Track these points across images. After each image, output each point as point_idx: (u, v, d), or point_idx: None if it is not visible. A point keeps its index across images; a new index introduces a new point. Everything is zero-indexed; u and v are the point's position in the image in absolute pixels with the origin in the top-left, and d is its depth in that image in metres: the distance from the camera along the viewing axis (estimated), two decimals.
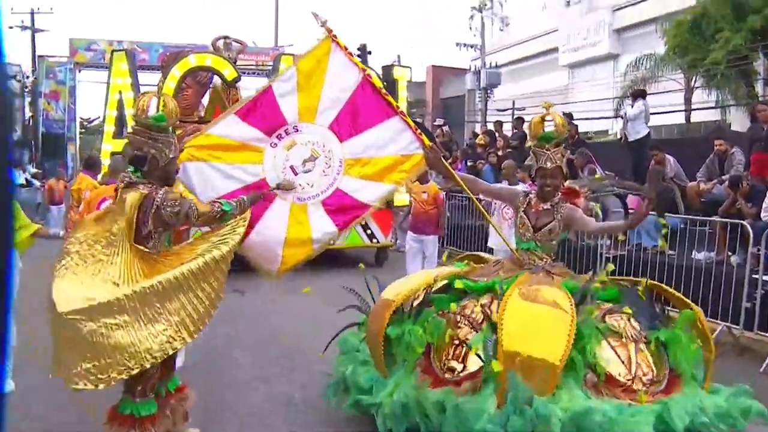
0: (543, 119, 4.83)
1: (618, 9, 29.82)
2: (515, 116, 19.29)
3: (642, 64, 22.96)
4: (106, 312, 3.61)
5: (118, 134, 11.68)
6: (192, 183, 4.74)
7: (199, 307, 3.83)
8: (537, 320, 4.07)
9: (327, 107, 4.89)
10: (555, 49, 32.84)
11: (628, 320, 4.35)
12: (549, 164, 4.74)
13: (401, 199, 11.83)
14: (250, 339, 7.73)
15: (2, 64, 1.12)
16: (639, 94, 13.20)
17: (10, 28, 30.32)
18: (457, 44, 32.30)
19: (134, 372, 3.66)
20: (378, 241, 12.90)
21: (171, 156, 4.08)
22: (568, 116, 14.36)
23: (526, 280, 4.49)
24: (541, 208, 4.85)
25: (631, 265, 8.89)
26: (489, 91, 30.16)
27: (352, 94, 4.91)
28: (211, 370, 6.31)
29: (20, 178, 19.43)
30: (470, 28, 31.00)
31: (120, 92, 11.93)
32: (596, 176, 10.37)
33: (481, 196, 6.70)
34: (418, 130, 4.95)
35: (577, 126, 14.83)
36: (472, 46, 32.34)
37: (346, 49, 4.93)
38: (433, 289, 4.71)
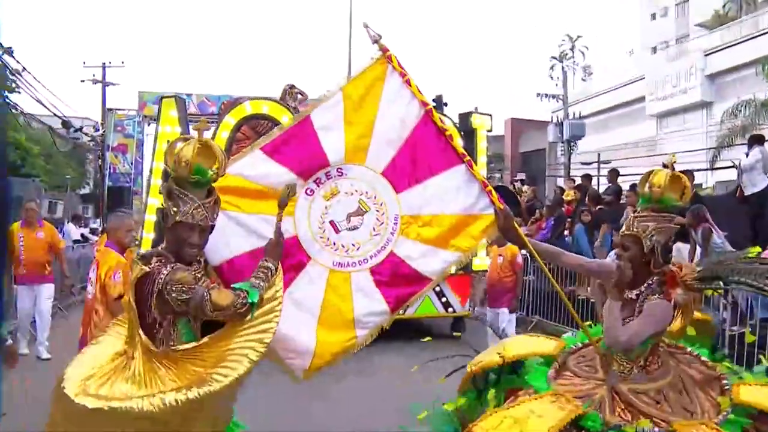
0: (653, 175, 3.50)
1: (710, 53, 28.30)
2: (609, 169, 17.42)
3: (740, 110, 21.37)
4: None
5: None
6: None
7: None
8: None
9: (381, 146, 3.87)
10: (641, 98, 31.63)
11: None
12: (627, 230, 3.48)
13: (481, 263, 10.50)
14: None
15: None
16: (756, 141, 11.35)
17: (82, 81, 30.45)
18: (538, 94, 31.35)
19: None
20: (454, 311, 11.50)
21: (190, 218, 3.16)
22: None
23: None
24: (626, 297, 3.47)
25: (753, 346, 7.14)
26: (572, 144, 28.83)
27: (412, 133, 3.87)
28: None
29: (76, 233, 19.04)
30: (551, 78, 29.90)
31: (168, 142, 10.96)
32: (723, 255, 8.51)
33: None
34: (488, 186, 3.92)
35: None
36: (553, 97, 31.42)
37: (405, 74, 3.84)
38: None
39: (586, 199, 14.19)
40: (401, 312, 3.96)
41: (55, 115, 22.75)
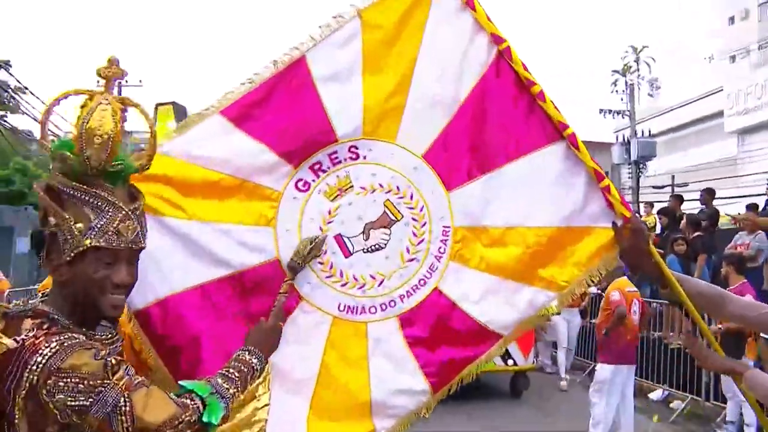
0: None
1: None
2: (704, 188, 15.29)
3: None
4: None
5: None
6: None
7: None
8: None
9: (423, 112, 2.73)
10: (719, 113, 30.35)
11: None
12: None
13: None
14: None
15: None
16: None
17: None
18: (601, 110, 29.38)
19: None
20: (515, 364, 10.06)
21: (113, 239, 1.94)
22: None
23: None
24: None
25: None
26: (641, 165, 27.71)
27: (476, 88, 2.72)
28: None
29: None
30: (616, 92, 28.25)
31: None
32: None
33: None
34: (605, 180, 2.72)
35: None
36: (618, 113, 29.67)
37: None
38: None
39: (679, 224, 12.53)
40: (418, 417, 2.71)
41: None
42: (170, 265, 2.51)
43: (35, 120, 24.37)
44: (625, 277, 7.37)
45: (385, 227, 2.74)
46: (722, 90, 29.92)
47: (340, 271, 2.67)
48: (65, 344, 1.83)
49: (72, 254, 1.91)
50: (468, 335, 2.73)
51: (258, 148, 2.61)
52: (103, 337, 1.96)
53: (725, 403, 8.35)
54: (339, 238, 2.69)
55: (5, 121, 20.74)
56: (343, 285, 2.71)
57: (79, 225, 1.91)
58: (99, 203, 1.94)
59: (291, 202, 2.65)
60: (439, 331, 2.72)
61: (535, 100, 2.70)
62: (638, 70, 29.75)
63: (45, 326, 1.91)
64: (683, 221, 12.34)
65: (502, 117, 2.77)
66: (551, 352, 12.50)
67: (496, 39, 2.72)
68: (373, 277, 2.72)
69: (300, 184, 2.67)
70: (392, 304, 2.72)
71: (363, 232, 2.72)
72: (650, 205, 16.71)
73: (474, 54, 2.76)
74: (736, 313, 2.96)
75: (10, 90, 19.80)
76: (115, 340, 2.01)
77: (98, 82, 2.06)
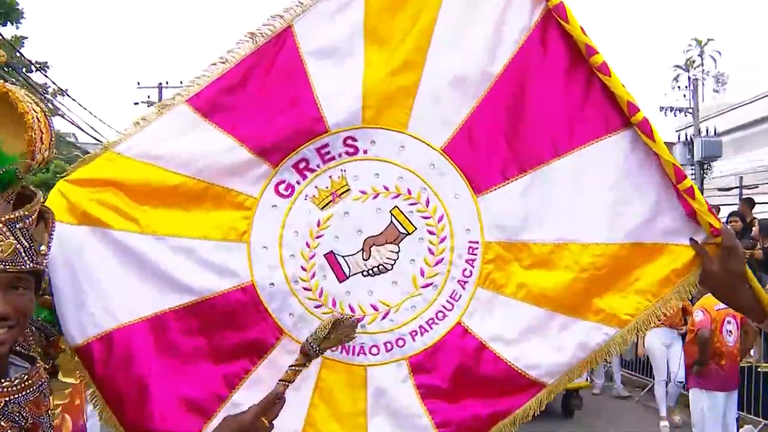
0: None
1: None
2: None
3: None
4: None
5: None
6: (59, 287, 2.09)
7: None
8: None
9: (441, 92, 2.28)
10: None
11: None
12: None
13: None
14: None
15: None
16: None
17: (136, 104, 28.30)
18: (662, 108, 28.32)
19: None
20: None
21: None
22: None
23: None
24: None
25: None
26: (706, 166, 27.05)
27: (515, 58, 2.27)
28: None
29: None
30: (678, 88, 27.57)
31: None
32: None
33: None
34: (686, 181, 2.24)
35: None
36: (680, 110, 28.75)
37: None
38: None
39: (751, 231, 11.84)
40: None
41: (98, 141, 21.99)
42: (117, 291, 2.12)
43: (72, 123, 24.84)
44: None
45: (392, 243, 2.29)
46: None
47: (332, 300, 2.23)
48: None
49: None
50: (500, 384, 2.26)
51: (228, 143, 2.19)
52: (5, 382, 1.60)
53: None
54: (331, 257, 2.27)
55: None
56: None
57: None
58: None
59: (270, 212, 2.23)
60: (461, 378, 2.25)
61: (595, 75, 2.20)
62: (702, 64, 28.72)
63: None
64: (755, 227, 11.57)
65: (549, 98, 2.30)
66: (606, 366, 11.61)
67: None
68: (376, 308, 2.27)
69: (281, 188, 2.24)
70: (400, 343, 2.26)
71: (363, 250, 2.27)
72: (716, 209, 15.80)
73: (513, 15, 2.26)
74: None
75: (48, 93, 19.90)
76: (27, 386, 1.63)
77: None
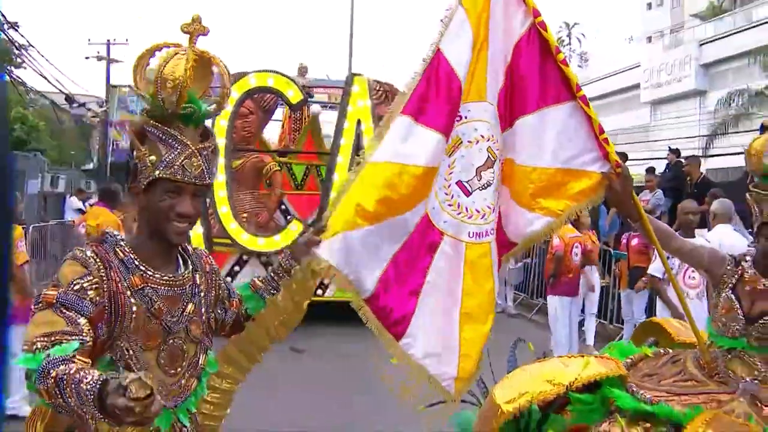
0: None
1: (705, 43, 28.67)
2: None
3: (734, 100, 21.88)
4: None
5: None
6: (350, 262, 2.81)
7: None
8: None
9: (497, 70, 3.08)
10: (636, 86, 31.95)
11: None
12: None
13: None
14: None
15: None
16: None
17: (86, 58, 30.36)
18: None
19: None
20: None
21: (178, 172, 1.99)
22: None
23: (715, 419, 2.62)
24: (762, 287, 2.95)
25: None
26: None
27: (517, 47, 3.05)
28: None
29: (78, 204, 18.81)
30: None
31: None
32: None
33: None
34: (603, 134, 3.01)
35: None
36: None
37: None
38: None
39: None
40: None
41: (60, 91, 23.08)
42: (377, 256, 2.92)
43: (40, 75, 25.42)
44: (570, 225, 7.27)
45: (490, 168, 3.05)
46: (639, 66, 31.73)
47: (465, 208, 3.04)
48: (70, 254, 1.99)
49: (145, 183, 2.00)
50: (499, 248, 3.18)
51: (430, 135, 2.93)
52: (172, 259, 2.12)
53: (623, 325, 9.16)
54: (460, 183, 3.05)
55: (11, 75, 21.32)
56: (469, 217, 3.05)
57: (152, 158, 1.98)
58: (170, 140, 1.99)
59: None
60: (498, 240, 3.18)
61: (558, 65, 3.00)
62: (570, 44, 31.91)
63: (95, 247, 1.99)
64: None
65: (531, 75, 3.05)
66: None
67: (534, 12, 3.01)
68: (490, 207, 3.07)
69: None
70: (494, 225, 3.13)
71: (476, 175, 3.04)
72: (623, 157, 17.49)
73: (517, 24, 3.04)
74: (679, 247, 3.21)
75: (15, 46, 20.67)
76: (184, 262, 2.16)
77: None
